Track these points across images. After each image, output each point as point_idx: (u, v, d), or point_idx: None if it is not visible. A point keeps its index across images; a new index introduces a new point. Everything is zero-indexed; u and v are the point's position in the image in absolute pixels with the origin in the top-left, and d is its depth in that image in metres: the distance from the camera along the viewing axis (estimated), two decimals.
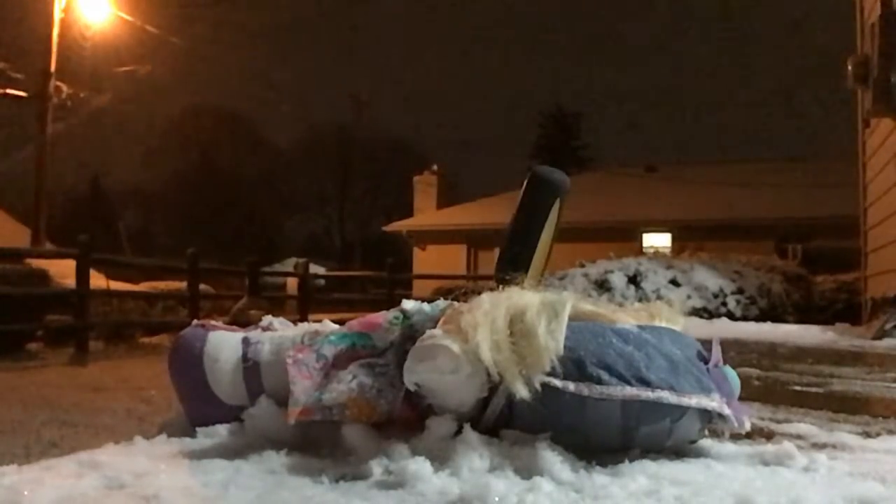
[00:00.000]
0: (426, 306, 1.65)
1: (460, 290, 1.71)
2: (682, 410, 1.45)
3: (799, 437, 1.78)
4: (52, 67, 16.15)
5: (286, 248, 38.93)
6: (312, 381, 1.52)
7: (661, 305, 1.75)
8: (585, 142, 43.37)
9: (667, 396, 1.42)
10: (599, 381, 1.42)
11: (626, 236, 19.61)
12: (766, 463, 1.44)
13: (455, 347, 1.41)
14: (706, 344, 1.63)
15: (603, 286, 10.48)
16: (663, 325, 1.66)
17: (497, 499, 1.16)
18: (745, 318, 9.70)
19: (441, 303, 1.66)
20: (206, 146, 43.18)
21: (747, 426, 1.55)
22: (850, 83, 8.39)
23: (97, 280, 10.22)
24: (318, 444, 1.48)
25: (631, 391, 1.41)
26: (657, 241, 20.18)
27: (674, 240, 19.73)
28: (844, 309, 10.82)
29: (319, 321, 1.80)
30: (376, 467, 1.30)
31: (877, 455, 1.58)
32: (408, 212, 26.78)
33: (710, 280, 10.57)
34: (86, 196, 40.97)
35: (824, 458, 1.45)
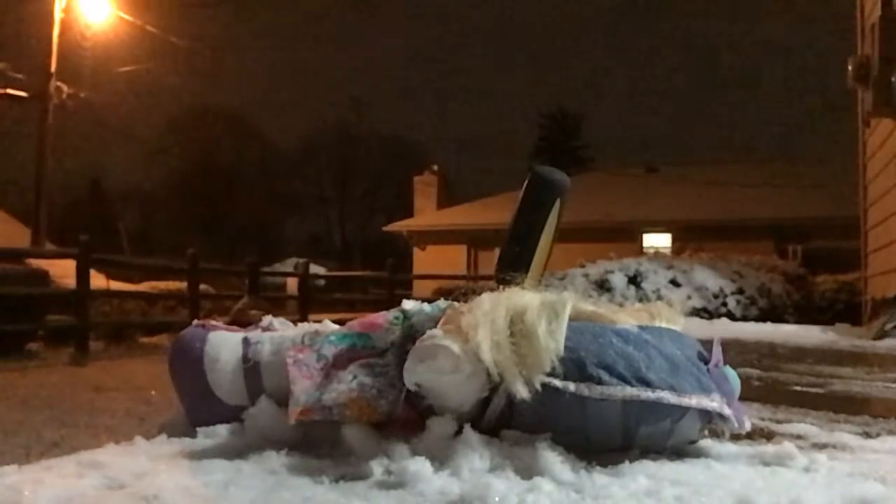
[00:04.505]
0: (426, 306, 1.65)
1: (460, 290, 1.71)
2: (683, 411, 1.45)
3: (799, 437, 1.78)
4: (53, 67, 16.15)
5: (286, 248, 38.95)
6: (313, 381, 1.52)
7: (661, 306, 1.75)
8: (585, 142, 43.45)
9: (667, 397, 1.42)
10: (600, 382, 1.42)
11: (626, 236, 19.61)
12: (766, 463, 1.44)
13: (455, 348, 1.41)
14: (706, 344, 1.63)
15: (603, 286, 10.48)
16: (663, 325, 1.66)
17: (497, 499, 1.16)
18: (745, 319, 9.70)
19: (441, 303, 1.65)
20: (206, 146, 43.15)
21: (747, 426, 1.55)
22: (850, 83, 8.38)
23: (97, 280, 10.21)
24: (318, 444, 1.47)
25: (631, 391, 1.41)
26: (657, 241, 20.16)
27: (674, 240, 19.72)
28: (845, 309, 10.81)
29: (319, 321, 1.80)
30: (376, 467, 1.30)
31: (877, 455, 1.57)
32: (408, 212, 26.75)
33: (711, 280, 10.57)
34: (86, 196, 40.95)
35: (824, 459, 1.45)
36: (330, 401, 1.46)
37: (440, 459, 1.31)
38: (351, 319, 1.71)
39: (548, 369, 1.41)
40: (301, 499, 1.19)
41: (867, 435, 1.86)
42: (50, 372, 7.20)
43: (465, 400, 1.44)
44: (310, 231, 48.44)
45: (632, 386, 1.42)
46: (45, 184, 16.26)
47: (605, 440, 1.44)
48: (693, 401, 1.44)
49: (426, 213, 25.27)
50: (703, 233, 18.22)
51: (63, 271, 9.67)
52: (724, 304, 10.29)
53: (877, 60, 7.39)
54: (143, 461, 1.40)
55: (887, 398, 2.85)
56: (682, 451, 1.48)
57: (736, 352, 4.51)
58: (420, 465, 1.28)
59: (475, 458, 1.32)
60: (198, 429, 1.58)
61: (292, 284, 15.70)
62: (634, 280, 10.61)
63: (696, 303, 10.16)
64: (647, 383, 1.43)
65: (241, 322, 2.02)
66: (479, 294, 1.57)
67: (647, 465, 1.36)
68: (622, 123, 75.12)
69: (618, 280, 10.62)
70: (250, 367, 1.64)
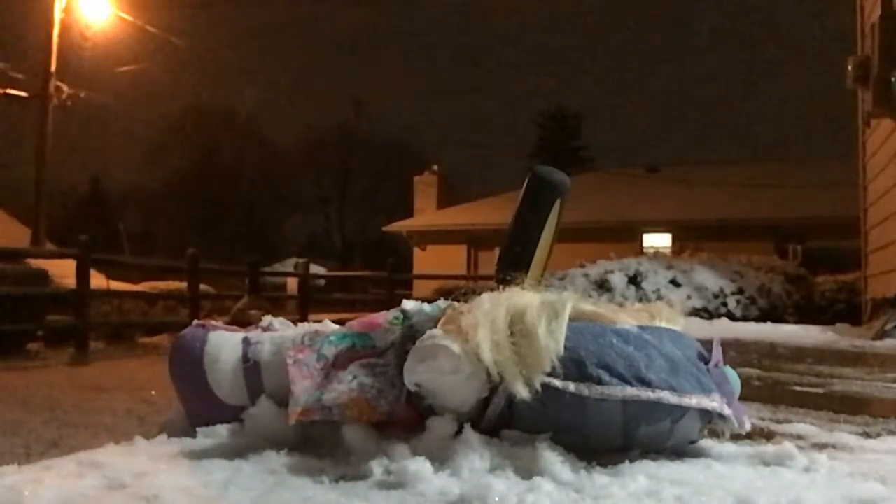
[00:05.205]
0: (426, 306, 1.65)
1: (460, 290, 1.71)
2: (683, 411, 1.45)
3: (799, 437, 1.78)
4: (53, 67, 16.16)
5: (286, 248, 38.99)
6: (313, 381, 1.52)
7: (661, 306, 1.74)
8: (585, 142, 43.48)
9: (667, 397, 1.42)
10: (600, 382, 1.42)
11: (626, 236, 19.60)
12: (766, 463, 1.44)
13: (455, 348, 1.41)
14: (706, 344, 1.63)
15: (603, 286, 10.47)
16: (663, 325, 1.66)
17: (497, 499, 1.16)
18: (745, 319, 9.70)
19: (441, 303, 1.65)
20: (206, 146, 43.19)
21: (747, 426, 1.55)
22: (850, 83, 8.38)
23: (97, 280, 10.22)
24: (318, 444, 1.47)
25: (631, 391, 1.41)
26: (657, 241, 20.16)
27: (674, 240, 19.71)
28: (845, 309, 10.80)
29: (319, 321, 1.80)
30: (376, 467, 1.30)
31: (877, 455, 1.57)
32: (408, 212, 26.74)
33: (711, 280, 10.57)
34: (86, 196, 40.99)
35: (824, 459, 1.45)
36: (330, 401, 1.46)
37: (440, 459, 1.31)
38: (351, 319, 1.71)
39: (548, 369, 1.41)
40: (301, 499, 1.19)
41: (867, 435, 1.86)
42: (50, 372, 7.20)
43: (465, 400, 1.44)
44: (310, 231, 48.52)
45: (632, 386, 1.42)
46: (45, 184, 16.27)
47: (605, 440, 1.44)
48: (693, 401, 1.44)
49: (426, 213, 25.27)
50: (703, 233, 18.22)
51: (63, 271, 9.67)
52: (724, 304, 10.29)
53: (877, 60, 7.39)
54: (143, 461, 1.40)
55: (887, 398, 2.85)
56: (682, 451, 1.48)
57: (736, 352, 4.52)
58: (420, 465, 1.28)
59: (475, 458, 1.32)
60: (198, 429, 1.57)
61: (292, 284, 15.72)
62: (634, 280, 10.61)
63: (696, 303, 10.16)
64: (647, 383, 1.43)
65: (241, 322, 2.02)
66: (479, 294, 1.57)
67: (647, 465, 1.36)
68: (622, 123, 75.14)
69: (618, 280, 10.62)
70: (250, 367, 1.64)
